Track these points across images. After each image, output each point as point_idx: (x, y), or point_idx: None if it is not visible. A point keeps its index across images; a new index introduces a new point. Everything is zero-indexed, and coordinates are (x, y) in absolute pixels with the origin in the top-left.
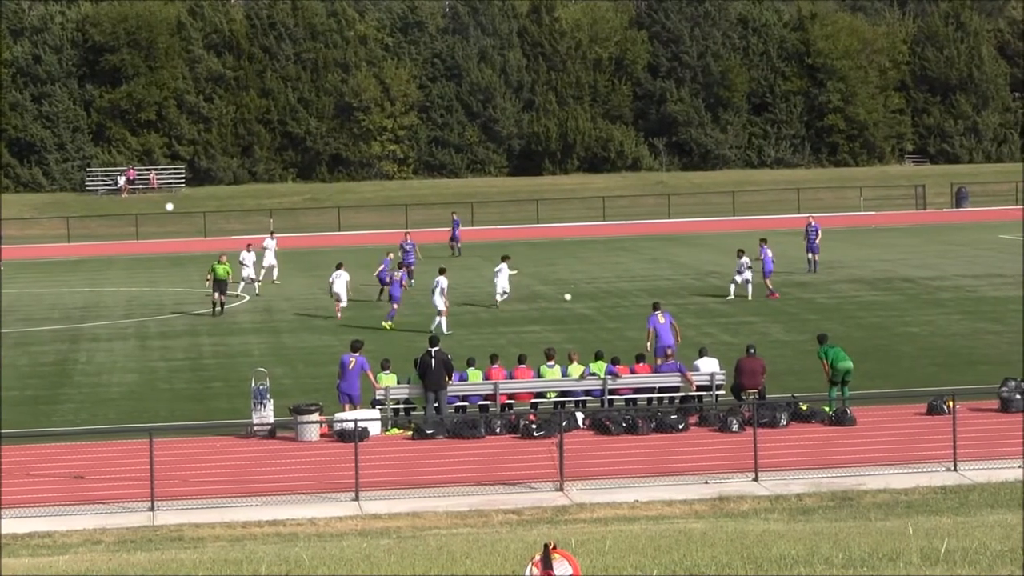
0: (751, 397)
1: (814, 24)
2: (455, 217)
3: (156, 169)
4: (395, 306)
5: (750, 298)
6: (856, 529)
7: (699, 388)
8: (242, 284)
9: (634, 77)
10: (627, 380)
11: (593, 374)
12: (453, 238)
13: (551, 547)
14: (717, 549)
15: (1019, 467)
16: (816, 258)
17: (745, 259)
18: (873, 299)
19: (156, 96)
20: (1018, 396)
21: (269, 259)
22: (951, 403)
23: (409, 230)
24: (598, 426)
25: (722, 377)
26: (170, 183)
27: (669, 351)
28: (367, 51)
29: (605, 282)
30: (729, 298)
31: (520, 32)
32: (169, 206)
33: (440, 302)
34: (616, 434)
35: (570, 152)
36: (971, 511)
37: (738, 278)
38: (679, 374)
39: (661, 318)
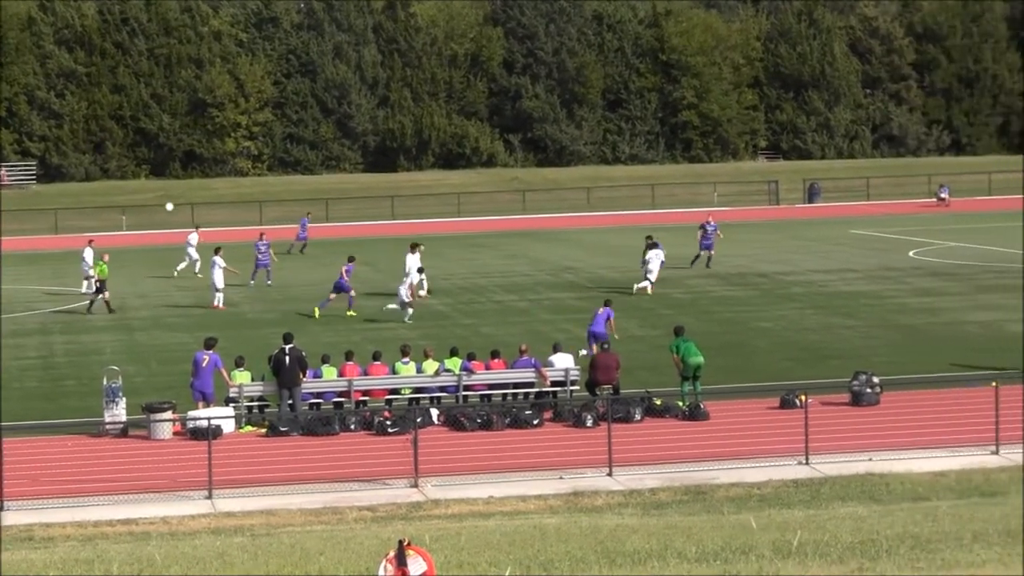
0: (605, 392)
1: (668, 21)
2: (305, 217)
3: (6, 166)
4: (332, 296)
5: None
6: (709, 523)
7: (553, 384)
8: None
9: (489, 73)
10: (482, 376)
11: (448, 370)
12: (299, 236)
13: (405, 544)
14: (571, 544)
15: (869, 460)
16: (712, 255)
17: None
18: (727, 294)
19: (6, 92)
20: (868, 390)
21: (192, 254)
22: (803, 397)
23: (264, 229)
24: (453, 422)
25: (576, 372)
26: (21, 180)
27: (604, 345)
28: (221, 47)
29: (461, 278)
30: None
31: (375, 28)
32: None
33: (405, 292)
34: (471, 430)
35: (425, 148)
36: (822, 504)
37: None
38: (534, 370)
39: (601, 310)
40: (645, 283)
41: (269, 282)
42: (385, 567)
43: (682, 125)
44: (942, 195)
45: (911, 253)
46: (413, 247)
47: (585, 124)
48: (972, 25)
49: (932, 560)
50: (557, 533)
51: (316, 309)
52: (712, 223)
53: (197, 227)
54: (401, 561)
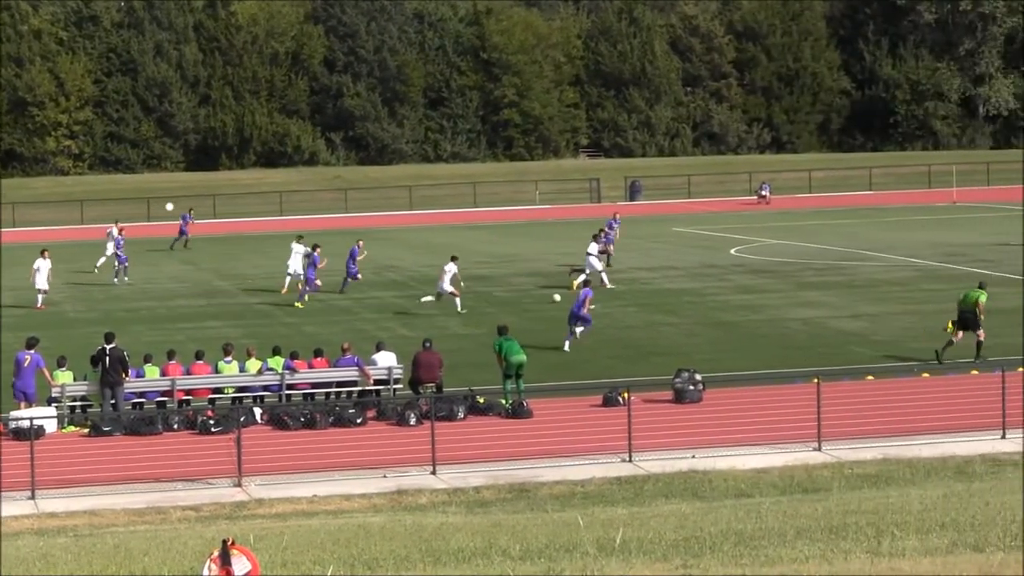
0: (428, 390)
1: (489, 19)
2: (187, 213)
3: None
4: (309, 288)
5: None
6: (533, 521)
7: (377, 382)
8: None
9: (311, 72)
10: (305, 375)
11: (271, 369)
12: (181, 232)
13: (229, 543)
14: (396, 543)
15: (692, 457)
16: (611, 250)
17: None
18: (550, 292)
19: None
20: (691, 387)
21: (111, 248)
22: (626, 395)
23: (121, 224)
24: (276, 421)
25: (399, 371)
26: None
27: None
28: (41, 46)
29: (283, 277)
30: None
31: (196, 27)
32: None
33: (448, 287)
34: (294, 429)
35: (247, 147)
36: (646, 501)
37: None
38: (356, 368)
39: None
40: (583, 276)
41: (127, 279)
42: (209, 567)
43: (503, 123)
44: (763, 193)
45: (732, 251)
46: (298, 239)
47: (407, 122)
48: (791, 23)
49: (755, 556)
50: (381, 532)
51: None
52: (617, 219)
53: (116, 221)
54: (225, 561)
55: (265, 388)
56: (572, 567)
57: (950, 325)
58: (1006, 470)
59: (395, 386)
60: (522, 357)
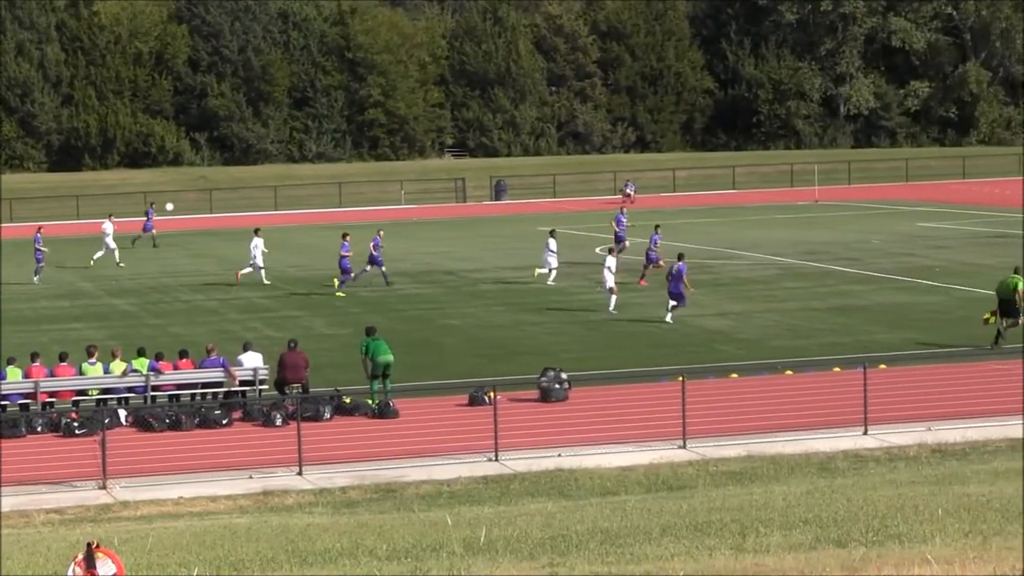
0: (295, 391)
1: (354, 19)
2: (150, 208)
3: None
4: (367, 268)
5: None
6: (400, 520)
7: (243, 383)
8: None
9: (175, 71)
10: (170, 376)
11: (135, 371)
12: (146, 228)
13: (94, 546)
14: (262, 544)
15: (558, 455)
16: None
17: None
18: (415, 292)
19: None
20: (557, 386)
21: (109, 243)
22: (492, 394)
23: (41, 224)
24: (141, 423)
25: (265, 371)
26: None
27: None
28: None
29: (149, 278)
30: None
31: (58, 26)
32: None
33: (611, 279)
34: (160, 431)
35: (111, 147)
36: (512, 500)
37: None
38: (222, 369)
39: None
40: (545, 269)
41: (36, 278)
42: (74, 570)
43: (369, 123)
44: (628, 191)
45: (598, 250)
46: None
47: (272, 122)
48: (655, 23)
49: (621, 554)
50: (247, 533)
51: (335, 281)
52: (624, 213)
53: (110, 215)
54: (90, 564)
55: (130, 390)
56: (439, 566)
57: (989, 315)
58: (868, 466)
59: (261, 387)
60: (389, 357)
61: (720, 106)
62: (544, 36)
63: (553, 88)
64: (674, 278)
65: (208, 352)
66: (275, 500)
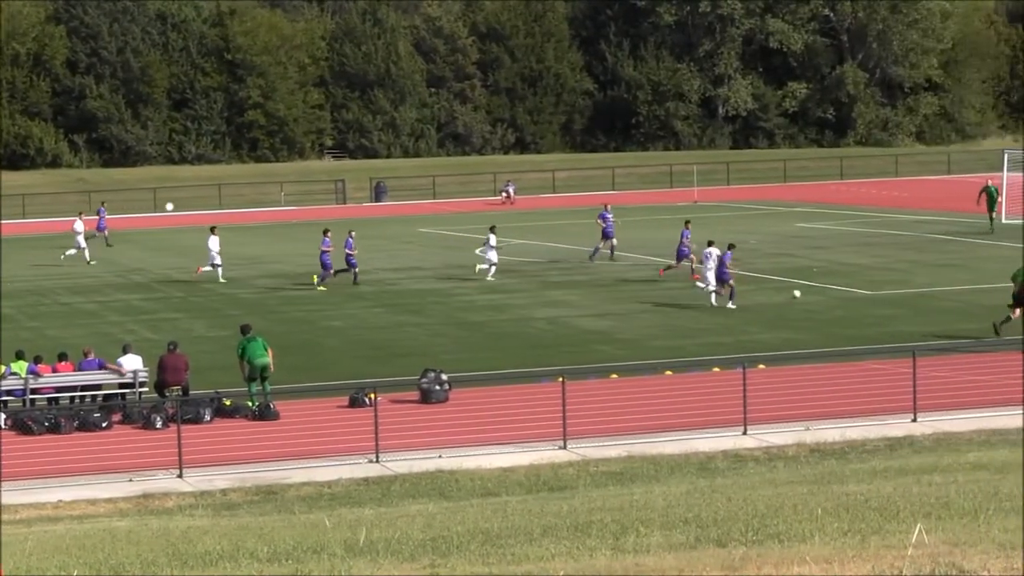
0: (175, 393)
1: (233, 20)
2: (101, 207)
3: None
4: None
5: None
6: (281, 522)
7: (122, 385)
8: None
9: (53, 73)
10: (49, 379)
11: (14, 374)
12: (100, 227)
13: None
14: (142, 547)
15: (439, 457)
16: (614, 243)
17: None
18: (296, 294)
19: None
20: (437, 387)
21: (80, 241)
22: (372, 395)
23: None
24: (20, 426)
25: (145, 374)
26: None
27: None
28: None
29: (25, 280)
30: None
31: None
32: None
33: (710, 275)
34: (38, 434)
35: None
36: (393, 501)
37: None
38: (101, 371)
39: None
40: (485, 265)
41: None
42: None
43: (248, 124)
44: (508, 192)
45: (478, 251)
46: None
47: (151, 124)
48: (534, 25)
49: (503, 555)
50: (127, 536)
51: (315, 278)
52: (609, 209)
53: (80, 213)
54: None
55: (9, 393)
56: (319, 568)
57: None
58: (747, 465)
59: (141, 389)
60: (265, 359)
61: (599, 107)
62: (424, 37)
63: (433, 89)
64: (720, 263)
65: (85, 354)
66: (155, 503)
